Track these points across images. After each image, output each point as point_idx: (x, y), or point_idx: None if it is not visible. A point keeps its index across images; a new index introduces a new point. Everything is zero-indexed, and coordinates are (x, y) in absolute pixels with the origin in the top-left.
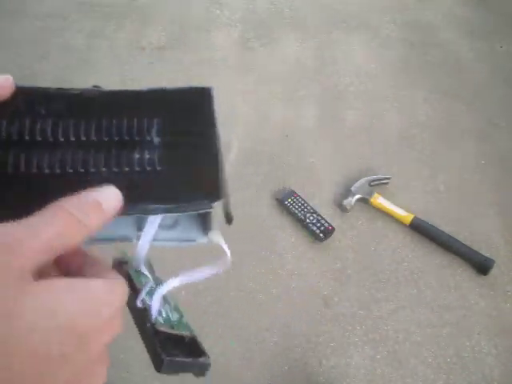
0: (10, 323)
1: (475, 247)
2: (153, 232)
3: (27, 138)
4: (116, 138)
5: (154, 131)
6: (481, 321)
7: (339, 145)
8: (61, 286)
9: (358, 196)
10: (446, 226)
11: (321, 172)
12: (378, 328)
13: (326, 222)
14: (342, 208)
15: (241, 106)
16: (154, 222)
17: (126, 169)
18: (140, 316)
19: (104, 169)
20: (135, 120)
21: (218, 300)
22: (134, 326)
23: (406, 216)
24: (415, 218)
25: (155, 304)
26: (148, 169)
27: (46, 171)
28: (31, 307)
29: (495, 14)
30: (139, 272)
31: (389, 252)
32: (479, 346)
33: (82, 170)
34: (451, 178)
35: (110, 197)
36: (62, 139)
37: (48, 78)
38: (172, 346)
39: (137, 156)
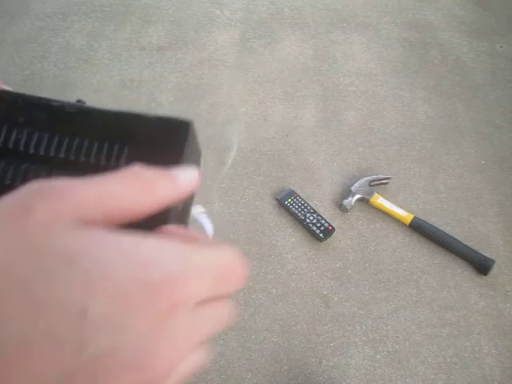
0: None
1: (475, 247)
2: None
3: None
4: (83, 159)
5: (122, 158)
6: (481, 321)
7: (339, 145)
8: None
9: (358, 196)
10: (446, 226)
11: (321, 172)
12: (378, 328)
13: (326, 221)
14: (342, 208)
15: (241, 106)
16: None
17: None
18: None
19: None
20: (106, 144)
21: None
22: None
23: (405, 216)
24: (415, 218)
25: None
26: None
27: (7, 182)
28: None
29: (495, 14)
30: None
31: (389, 252)
32: (479, 345)
33: None
34: (451, 178)
35: (186, 172)
36: (32, 151)
37: (48, 78)
38: None
39: None
